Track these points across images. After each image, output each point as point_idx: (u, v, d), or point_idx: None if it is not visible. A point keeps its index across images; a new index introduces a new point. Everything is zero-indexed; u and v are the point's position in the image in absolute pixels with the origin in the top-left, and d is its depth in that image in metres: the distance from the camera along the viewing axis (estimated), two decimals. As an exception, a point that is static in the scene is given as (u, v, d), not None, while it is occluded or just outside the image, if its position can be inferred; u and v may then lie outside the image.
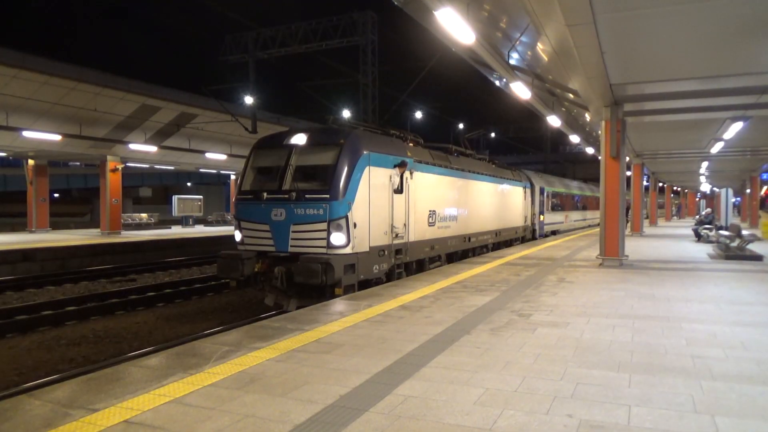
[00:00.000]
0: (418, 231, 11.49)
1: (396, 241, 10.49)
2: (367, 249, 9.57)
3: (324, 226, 9.06)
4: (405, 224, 10.80)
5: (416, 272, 11.49)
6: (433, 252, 12.32)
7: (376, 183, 9.86)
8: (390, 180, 10.29)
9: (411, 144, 12.03)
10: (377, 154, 9.95)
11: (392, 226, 10.31)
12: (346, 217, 9.05)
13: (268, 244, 9.56)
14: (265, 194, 9.64)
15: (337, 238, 9.05)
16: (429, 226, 12.03)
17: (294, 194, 9.33)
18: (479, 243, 15.61)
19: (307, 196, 9.24)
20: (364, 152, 9.60)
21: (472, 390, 4.11)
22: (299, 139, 9.96)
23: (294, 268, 8.80)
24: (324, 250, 9.06)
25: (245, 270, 9.41)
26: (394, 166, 10.39)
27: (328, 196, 9.07)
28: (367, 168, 9.59)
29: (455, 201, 13.64)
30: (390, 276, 10.49)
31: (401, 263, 10.79)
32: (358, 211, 9.29)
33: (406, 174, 10.77)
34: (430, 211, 12.06)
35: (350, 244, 9.10)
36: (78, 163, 47.12)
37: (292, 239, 9.31)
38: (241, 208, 10.04)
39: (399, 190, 10.52)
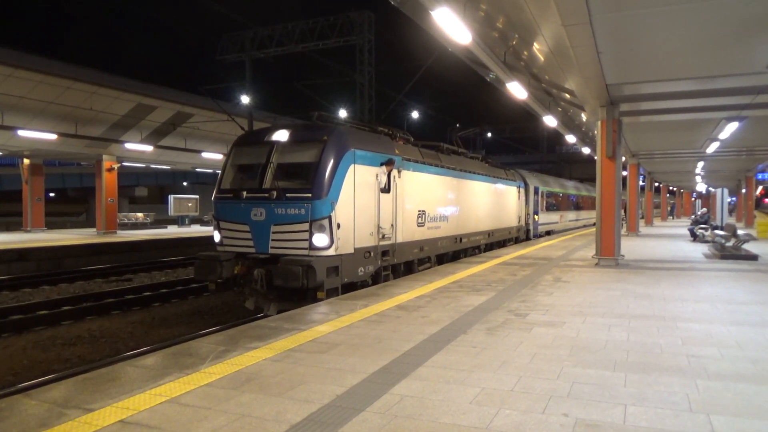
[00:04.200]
0: (407, 232, 11.11)
1: (383, 242, 10.12)
2: (352, 250, 9.20)
3: (306, 226, 8.68)
4: (392, 225, 10.43)
5: (404, 274, 11.16)
6: (422, 253, 11.96)
7: (362, 181, 9.48)
8: (377, 178, 9.92)
9: (400, 142, 11.67)
10: (363, 152, 9.57)
11: (379, 227, 9.94)
12: (329, 217, 8.68)
13: (247, 246, 9.16)
14: (244, 193, 9.25)
15: (320, 239, 8.67)
16: (418, 226, 11.67)
17: (274, 193, 8.93)
18: (471, 244, 15.30)
19: (288, 195, 8.85)
20: (349, 149, 9.22)
21: (468, 389, 4.11)
22: (281, 135, 9.57)
23: (274, 271, 8.43)
24: (306, 252, 8.67)
25: (224, 272, 9.01)
26: (381, 164, 10.02)
27: (310, 195, 8.70)
28: (351, 166, 9.22)
29: (446, 201, 13.26)
30: (376, 278, 10.14)
31: (388, 265, 10.45)
32: (342, 211, 8.91)
33: (394, 172, 10.41)
34: (419, 211, 11.69)
35: (333, 246, 8.72)
36: (74, 163, 46.99)
37: (272, 240, 8.93)
38: (219, 208, 9.62)
39: (386, 189, 10.16)
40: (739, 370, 4.54)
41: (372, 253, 9.83)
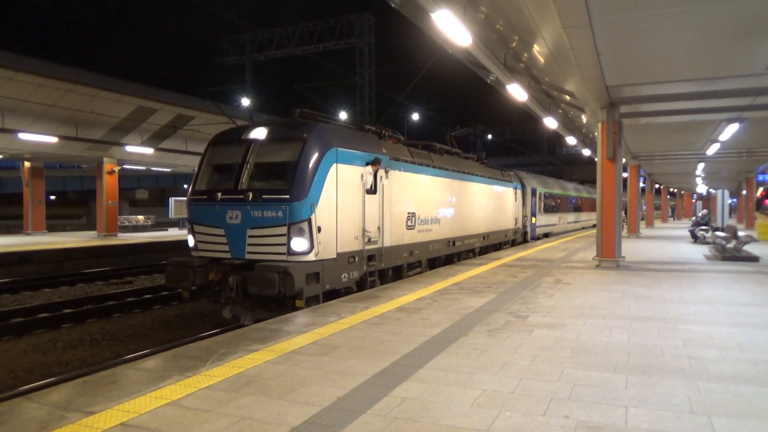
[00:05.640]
0: (395, 235, 10.61)
1: (369, 247, 9.60)
2: (334, 255, 8.68)
3: (284, 230, 8.14)
4: (379, 228, 9.93)
5: (393, 280, 10.65)
6: (412, 258, 11.47)
7: (345, 182, 8.97)
8: (362, 179, 9.41)
9: (389, 141, 11.22)
10: (346, 151, 9.06)
11: (364, 230, 9.44)
12: (309, 220, 8.15)
13: (223, 250, 8.63)
14: (219, 194, 8.70)
15: (299, 243, 8.12)
16: (408, 229, 11.16)
17: (251, 194, 8.40)
18: (465, 247, 14.82)
19: (264, 196, 8.32)
20: (331, 148, 8.70)
21: (469, 392, 4.11)
22: (259, 133, 9.06)
23: (249, 277, 7.93)
24: (284, 257, 8.12)
25: (197, 279, 8.50)
26: (367, 164, 9.54)
27: (288, 196, 8.16)
28: (334, 165, 8.71)
29: (438, 202, 12.77)
30: (362, 285, 9.64)
31: (375, 270, 9.94)
32: (323, 214, 8.40)
33: (381, 173, 9.92)
34: (408, 213, 11.20)
35: (313, 251, 8.18)
36: (74, 166, 47.08)
37: (248, 245, 8.38)
38: (193, 210, 9.10)
39: (372, 190, 9.66)
40: (740, 372, 4.54)
41: (357, 258, 9.34)
